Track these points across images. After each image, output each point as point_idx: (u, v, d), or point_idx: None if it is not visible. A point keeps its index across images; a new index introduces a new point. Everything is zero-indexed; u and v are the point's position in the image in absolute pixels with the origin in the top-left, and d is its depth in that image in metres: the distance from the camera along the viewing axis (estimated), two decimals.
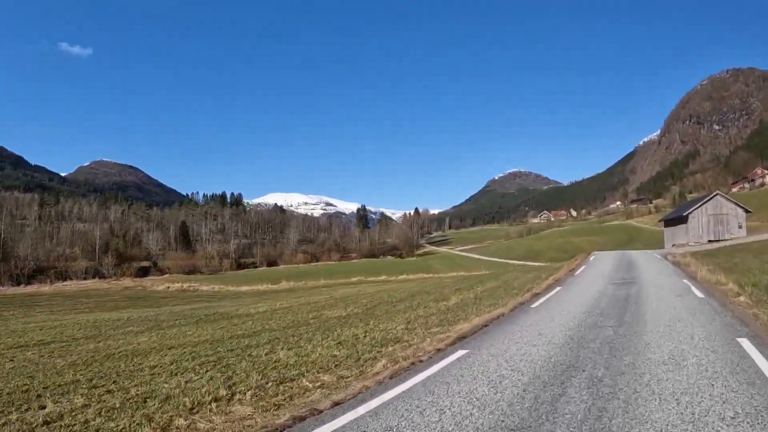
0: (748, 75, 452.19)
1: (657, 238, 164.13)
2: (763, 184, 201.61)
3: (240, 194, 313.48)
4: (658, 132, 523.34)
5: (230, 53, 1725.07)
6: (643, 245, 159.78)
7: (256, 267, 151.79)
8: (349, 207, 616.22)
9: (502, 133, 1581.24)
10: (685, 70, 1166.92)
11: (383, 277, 72.02)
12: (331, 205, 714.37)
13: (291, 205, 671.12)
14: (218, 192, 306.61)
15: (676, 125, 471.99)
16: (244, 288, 72.76)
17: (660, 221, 75.18)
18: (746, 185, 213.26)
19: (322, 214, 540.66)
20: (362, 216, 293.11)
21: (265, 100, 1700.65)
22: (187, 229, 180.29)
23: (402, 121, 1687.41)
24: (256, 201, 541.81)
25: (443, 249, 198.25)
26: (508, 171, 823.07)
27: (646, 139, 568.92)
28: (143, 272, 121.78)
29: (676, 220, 60.60)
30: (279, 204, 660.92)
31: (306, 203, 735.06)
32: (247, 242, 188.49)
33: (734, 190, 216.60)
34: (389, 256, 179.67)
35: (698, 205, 54.85)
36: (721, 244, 46.17)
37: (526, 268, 48.52)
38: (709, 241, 54.23)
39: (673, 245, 60.22)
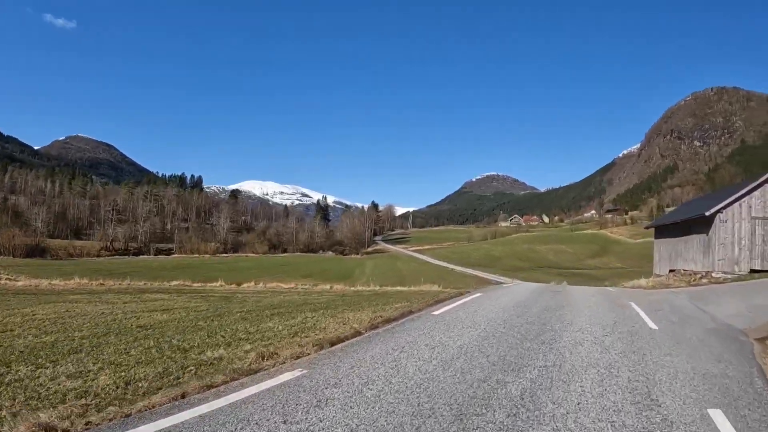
0: (732, 94, 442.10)
1: (635, 252, 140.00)
2: None
3: (200, 177, 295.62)
4: (639, 145, 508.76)
5: (220, 47, 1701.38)
6: (618, 260, 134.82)
7: (146, 255, 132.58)
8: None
9: (482, 136, 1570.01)
10: (669, 86, 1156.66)
11: (220, 283, 46.05)
12: (306, 196, 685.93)
13: (266, 194, 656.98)
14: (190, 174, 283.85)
15: (656, 139, 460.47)
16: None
17: (648, 228, 45.28)
18: None
19: (297, 205, 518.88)
20: (323, 207, 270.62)
21: (247, 89, 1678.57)
22: (117, 208, 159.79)
23: (384, 118, 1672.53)
24: (232, 187, 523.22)
25: (395, 248, 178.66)
26: (486, 174, 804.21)
27: (625, 151, 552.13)
28: None
29: (683, 226, 33.02)
30: (255, 192, 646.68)
31: (282, 192, 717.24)
32: (185, 226, 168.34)
33: None
34: (329, 252, 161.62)
35: (735, 197, 27.25)
36: None
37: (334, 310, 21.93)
38: (752, 270, 27.08)
39: (672, 271, 32.82)
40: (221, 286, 45.74)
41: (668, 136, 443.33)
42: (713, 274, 26.78)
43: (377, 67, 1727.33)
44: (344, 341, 8.56)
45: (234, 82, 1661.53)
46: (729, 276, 26.22)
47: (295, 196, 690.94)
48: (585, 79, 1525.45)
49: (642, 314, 13.01)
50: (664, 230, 37.29)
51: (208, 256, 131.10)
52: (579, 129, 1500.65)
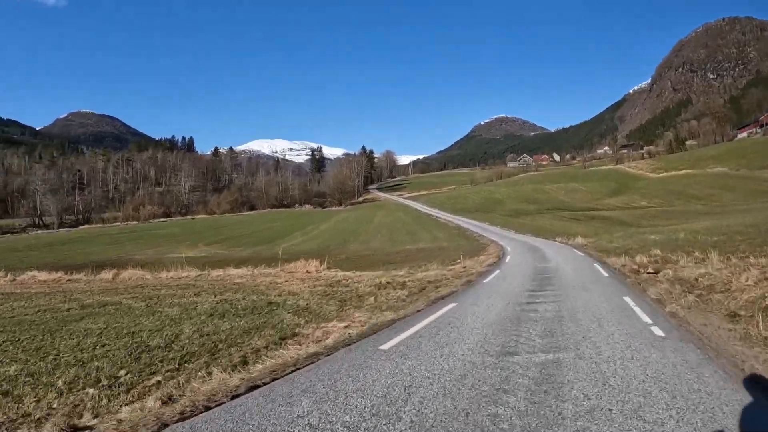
0: (745, 24, 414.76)
1: (660, 188, 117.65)
2: None
3: (191, 138, 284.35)
4: (649, 80, 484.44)
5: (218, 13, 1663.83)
6: (641, 197, 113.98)
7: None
8: (334, 152, 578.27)
9: (489, 79, 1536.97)
10: (678, 17, 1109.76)
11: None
12: (316, 150, 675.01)
13: (275, 152, 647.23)
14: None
15: (668, 73, 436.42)
16: None
17: None
18: (758, 130, 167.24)
19: (307, 160, 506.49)
20: (318, 159, 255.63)
21: (248, 44, 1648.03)
22: (82, 177, 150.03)
23: (391, 66, 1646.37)
24: (240, 148, 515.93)
25: (388, 195, 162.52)
26: (495, 117, 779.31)
27: (636, 87, 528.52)
28: None
29: None
30: (264, 150, 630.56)
31: (291, 149, 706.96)
32: (159, 190, 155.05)
33: (743, 134, 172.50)
34: (307, 206, 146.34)
35: None
36: None
37: None
38: None
39: None
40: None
41: (680, 69, 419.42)
42: None
43: (383, 14, 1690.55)
44: None
45: (241, 48, 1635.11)
46: None
47: (304, 152, 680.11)
48: (591, 16, 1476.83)
49: None
50: None
51: (135, 223, 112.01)
52: (587, 67, 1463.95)
